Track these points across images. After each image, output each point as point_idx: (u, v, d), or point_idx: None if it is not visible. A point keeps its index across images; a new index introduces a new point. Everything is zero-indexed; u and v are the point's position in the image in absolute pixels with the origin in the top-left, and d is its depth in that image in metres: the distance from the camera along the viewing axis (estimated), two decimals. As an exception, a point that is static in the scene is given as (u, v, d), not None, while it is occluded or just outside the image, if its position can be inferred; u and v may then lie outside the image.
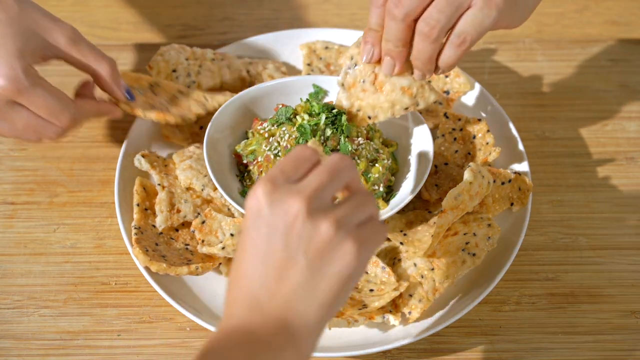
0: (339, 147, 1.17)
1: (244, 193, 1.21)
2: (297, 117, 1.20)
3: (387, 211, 1.17)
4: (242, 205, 1.16)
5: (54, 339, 1.15)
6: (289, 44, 1.40)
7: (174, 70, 1.29)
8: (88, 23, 1.49)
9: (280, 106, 1.23)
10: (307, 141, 1.17)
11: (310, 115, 1.20)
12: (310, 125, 1.18)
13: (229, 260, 1.17)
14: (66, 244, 1.23)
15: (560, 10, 1.54)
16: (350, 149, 1.17)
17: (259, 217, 0.88)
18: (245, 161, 1.22)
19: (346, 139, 1.17)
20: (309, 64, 1.37)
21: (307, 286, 0.87)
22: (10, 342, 1.14)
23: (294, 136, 1.18)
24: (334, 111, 1.18)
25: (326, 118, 1.18)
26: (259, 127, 1.22)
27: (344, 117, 1.18)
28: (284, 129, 1.19)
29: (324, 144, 1.17)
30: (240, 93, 1.27)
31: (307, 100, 1.23)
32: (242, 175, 1.23)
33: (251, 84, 1.33)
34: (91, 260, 1.22)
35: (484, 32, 1.06)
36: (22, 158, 1.31)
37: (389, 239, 1.19)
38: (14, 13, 1.11)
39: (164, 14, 1.51)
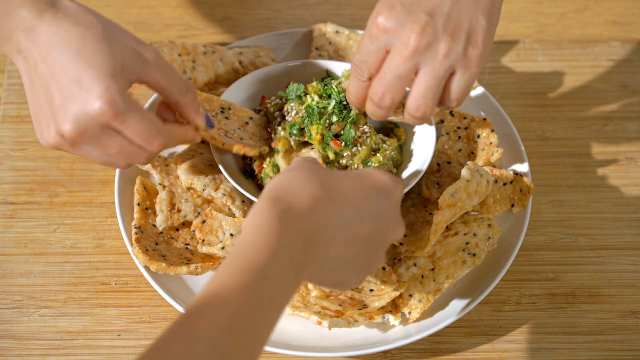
0: (342, 132, 1.18)
1: (245, 172, 1.23)
2: (307, 96, 1.20)
3: None
4: (244, 188, 1.18)
5: (54, 339, 1.15)
6: (289, 44, 1.40)
7: None
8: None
9: (292, 83, 1.23)
10: (312, 123, 1.17)
11: (320, 97, 1.20)
12: (318, 107, 1.18)
13: (229, 260, 1.17)
14: (66, 244, 1.23)
15: (560, 10, 1.54)
16: (353, 135, 1.17)
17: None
18: None
19: (352, 126, 1.18)
20: (317, 48, 1.37)
21: (344, 262, 0.92)
22: (10, 342, 1.14)
23: (300, 114, 1.18)
24: (343, 101, 1.19)
25: (335, 103, 1.18)
26: (267, 102, 1.22)
27: (353, 110, 1.19)
28: (292, 104, 1.20)
29: (328, 129, 1.18)
30: (249, 75, 1.28)
31: (321, 80, 1.23)
32: (245, 157, 1.25)
33: (244, 74, 1.33)
34: (91, 260, 1.22)
35: (472, 87, 1.12)
36: (22, 158, 1.31)
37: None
38: (99, 31, 1.01)
39: (164, 14, 1.51)
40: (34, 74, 1.01)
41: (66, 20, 1.00)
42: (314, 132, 1.17)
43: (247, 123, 1.23)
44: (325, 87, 1.21)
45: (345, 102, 1.19)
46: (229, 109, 1.23)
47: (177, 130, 1.10)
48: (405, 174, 1.22)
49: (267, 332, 0.83)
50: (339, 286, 0.94)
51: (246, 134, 1.22)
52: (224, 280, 0.81)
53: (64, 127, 1.00)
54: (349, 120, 1.18)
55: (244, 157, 1.24)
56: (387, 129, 1.28)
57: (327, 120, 1.18)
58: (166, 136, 1.05)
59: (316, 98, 1.20)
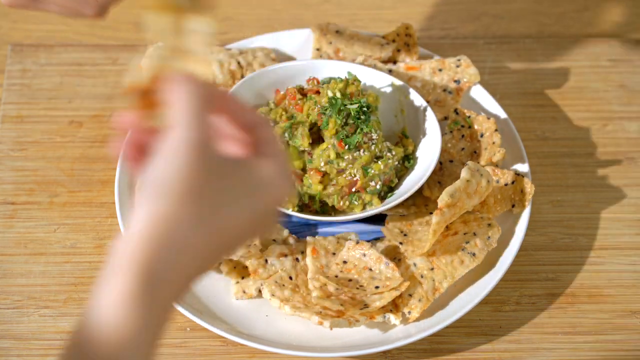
0: (350, 134, 1.18)
1: None
2: (329, 91, 1.20)
3: (380, 208, 1.18)
4: None
5: (54, 339, 1.15)
6: (289, 44, 1.40)
7: None
8: (88, 23, 1.49)
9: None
10: (331, 115, 1.17)
11: (342, 95, 1.20)
12: (341, 102, 1.18)
13: (229, 259, 1.17)
14: (66, 244, 1.23)
15: (560, 10, 1.54)
16: (359, 140, 1.17)
17: None
18: None
19: (361, 131, 1.18)
20: (317, 49, 1.37)
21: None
22: (10, 342, 1.14)
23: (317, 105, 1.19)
24: (365, 107, 1.19)
25: (359, 105, 1.19)
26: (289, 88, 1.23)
27: (370, 115, 1.20)
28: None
29: (343, 126, 1.18)
30: (248, 76, 1.28)
31: (343, 79, 1.23)
32: None
33: (242, 75, 1.33)
34: (91, 260, 1.22)
35: None
36: (22, 158, 1.31)
37: (389, 240, 1.19)
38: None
39: (164, 14, 1.51)
40: None
41: None
42: (332, 124, 1.17)
43: None
44: (370, 94, 1.22)
45: (365, 108, 1.19)
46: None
47: None
48: (406, 182, 1.22)
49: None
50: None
51: None
52: None
53: None
54: (366, 124, 1.18)
55: None
56: (395, 137, 1.28)
57: (344, 118, 1.18)
58: None
59: (338, 94, 1.20)
